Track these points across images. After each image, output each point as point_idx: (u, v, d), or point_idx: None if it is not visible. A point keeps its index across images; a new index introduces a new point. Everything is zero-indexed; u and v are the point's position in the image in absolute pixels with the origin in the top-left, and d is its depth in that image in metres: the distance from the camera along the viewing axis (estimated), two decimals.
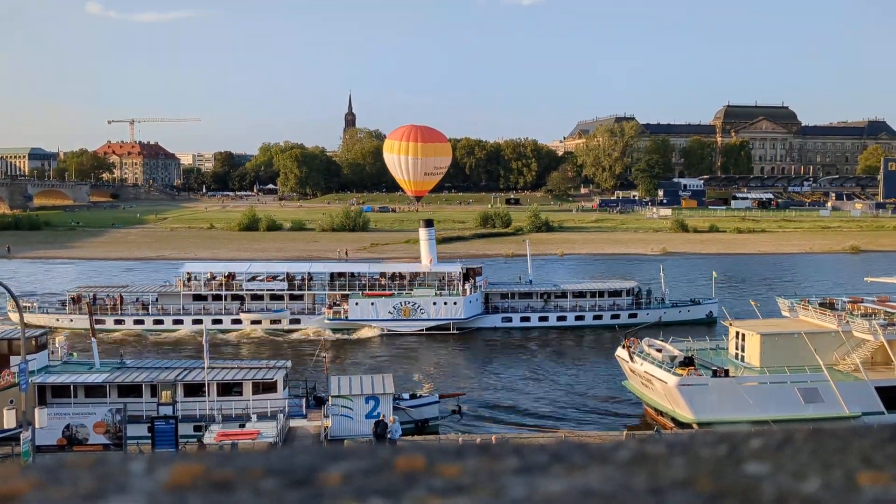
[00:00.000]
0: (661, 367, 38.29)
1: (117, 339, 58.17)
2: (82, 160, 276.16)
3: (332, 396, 34.26)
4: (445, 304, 61.14)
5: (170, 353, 51.99)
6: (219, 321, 60.61)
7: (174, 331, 60.27)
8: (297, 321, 61.40)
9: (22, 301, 60.90)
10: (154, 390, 35.58)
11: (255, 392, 35.90)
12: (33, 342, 37.03)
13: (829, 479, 1.34)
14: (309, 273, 63.90)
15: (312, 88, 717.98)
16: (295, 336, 60.13)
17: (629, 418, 40.98)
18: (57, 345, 40.51)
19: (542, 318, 63.46)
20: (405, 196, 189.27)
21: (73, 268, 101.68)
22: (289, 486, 1.35)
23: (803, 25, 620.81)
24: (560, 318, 63.42)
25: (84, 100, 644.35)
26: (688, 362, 38.57)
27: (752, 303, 47.10)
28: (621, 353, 42.08)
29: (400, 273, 64.42)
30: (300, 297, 62.50)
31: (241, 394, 36.07)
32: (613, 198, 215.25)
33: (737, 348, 40.77)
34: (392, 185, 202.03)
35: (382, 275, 63.86)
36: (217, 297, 61.98)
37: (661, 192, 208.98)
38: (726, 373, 37.84)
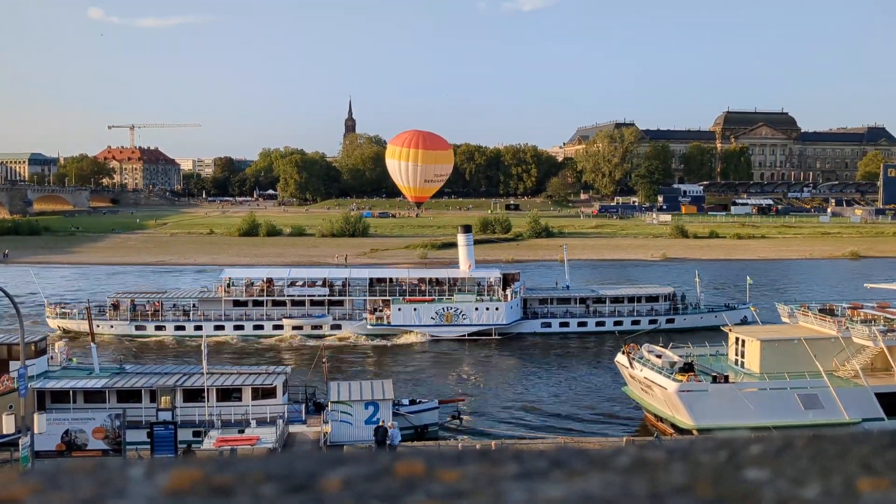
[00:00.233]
0: (660, 372, 38.26)
1: (155, 345, 58.69)
2: (82, 165, 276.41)
3: (332, 402, 34.24)
4: (487, 309, 61.45)
5: (189, 357, 52.71)
6: (260, 327, 61.19)
7: (215, 336, 60.38)
8: (338, 326, 61.82)
9: (61, 307, 62.00)
10: (153, 396, 35.54)
11: (254, 398, 35.88)
12: (32, 347, 37.00)
13: (829, 485, 1.34)
14: (348, 279, 64.18)
15: (312, 94, 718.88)
16: (336, 341, 60.39)
17: (629, 424, 40.94)
18: (56, 350, 40.48)
19: (580, 324, 63.69)
20: (405, 201, 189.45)
21: (72, 272, 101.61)
22: (288, 491, 1.34)
23: (803, 32, 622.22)
24: (599, 324, 63.64)
25: (84, 105, 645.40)
26: (687, 368, 38.54)
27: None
28: (621, 358, 42.06)
29: (438, 278, 64.52)
30: (340, 303, 62.79)
31: (240, 399, 36.04)
32: (613, 204, 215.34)
33: (736, 354, 40.73)
34: (392, 191, 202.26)
35: (422, 280, 64.01)
36: (257, 303, 62.20)
37: (660, 198, 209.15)
38: (726, 379, 37.82)
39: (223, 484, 1.36)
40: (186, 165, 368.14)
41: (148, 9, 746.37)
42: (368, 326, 61.13)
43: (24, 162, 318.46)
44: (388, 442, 31.78)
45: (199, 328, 60.45)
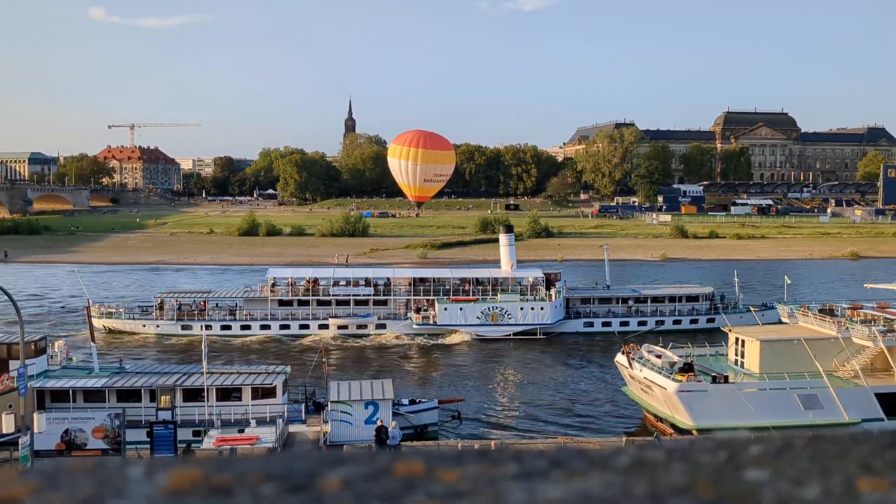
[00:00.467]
0: (660, 373, 38.27)
1: (200, 344, 58.63)
2: (82, 165, 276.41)
3: (332, 402, 34.24)
4: (532, 309, 61.77)
5: (218, 358, 53.04)
6: (306, 326, 61.67)
7: (260, 336, 60.90)
8: (383, 326, 62.29)
9: (106, 307, 62.67)
10: (153, 395, 35.54)
11: (254, 397, 35.88)
12: (32, 347, 37.00)
13: (829, 486, 1.34)
14: (392, 278, 64.61)
15: (312, 94, 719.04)
16: (381, 340, 61.00)
17: (628, 424, 40.95)
18: (56, 349, 40.46)
19: (623, 324, 63.90)
20: (405, 201, 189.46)
21: (69, 272, 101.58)
22: (288, 491, 1.34)
23: (803, 32, 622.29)
24: (640, 323, 63.82)
25: (84, 104, 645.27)
26: (687, 368, 38.55)
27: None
28: (621, 359, 42.06)
29: (480, 278, 64.81)
30: (384, 303, 63.23)
31: (240, 399, 36.05)
32: (613, 204, 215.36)
33: (736, 354, 40.73)
34: (392, 191, 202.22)
35: (465, 280, 64.43)
36: (302, 303, 62.60)
37: (660, 198, 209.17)
38: (726, 379, 37.83)
39: (223, 484, 1.36)
40: (186, 165, 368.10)
41: (149, 9, 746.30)
42: (414, 326, 61.70)
43: (23, 161, 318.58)
44: (388, 442, 31.78)
45: (245, 327, 61.33)
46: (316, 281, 63.53)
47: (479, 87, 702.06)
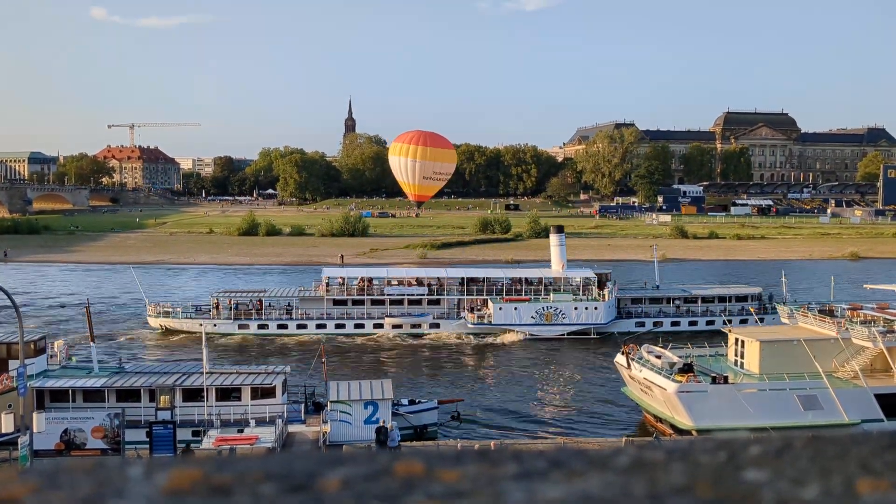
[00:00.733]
0: (660, 373, 38.27)
1: (256, 343, 59.54)
2: (82, 164, 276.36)
3: (331, 402, 34.25)
4: (587, 309, 62.04)
5: (233, 357, 53.95)
6: (361, 325, 62.26)
7: (317, 335, 61.24)
8: (437, 325, 62.75)
9: (164, 306, 63.20)
10: (153, 395, 35.54)
11: (253, 397, 35.88)
12: (32, 346, 36.99)
13: (829, 486, 1.34)
14: (446, 278, 64.96)
15: (312, 93, 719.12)
16: (435, 340, 61.40)
17: (628, 425, 40.94)
18: (56, 349, 40.45)
19: (674, 323, 64.09)
20: (405, 201, 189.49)
21: (72, 272, 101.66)
22: (288, 491, 1.34)
23: (803, 32, 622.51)
24: (691, 323, 64.09)
25: (84, 104, 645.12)
26: (687, 369, 38.55)
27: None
28: (620, 359, 42.06)
29: (529, 278, 65.17)
30: (437, 302, 63.78)
31: (239, 399, 36.04)
32: (613, 204, 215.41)
33: (736, 355, 40.73)
34: (392, 191, 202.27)
35: (516, 280, 64.83)
36: (356, 302, 63.18)
37: (660, 199, 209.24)
38: (725, 379, 37.82)
39: (222, 483, 1.36)
40: (186, 165, 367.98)
41: (150, 8, 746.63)
42: (469, 325, 62.01)
43: (23, 161, 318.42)
44: (387, 443, 31.77)
45: (301, 326, 61.86)
46: (370, 280, 64.21)
47: (480, 87, 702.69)
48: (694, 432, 36.31)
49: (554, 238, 66.76)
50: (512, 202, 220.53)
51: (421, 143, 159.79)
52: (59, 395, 35.62)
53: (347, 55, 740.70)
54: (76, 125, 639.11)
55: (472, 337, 61.38)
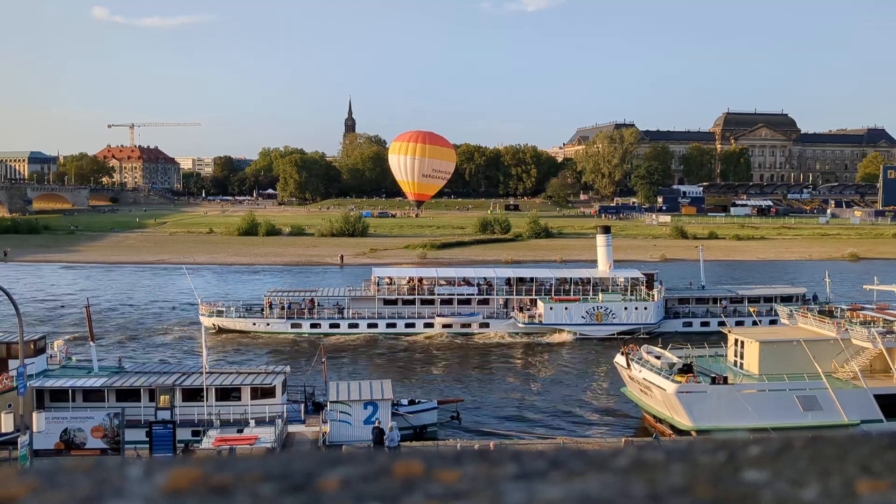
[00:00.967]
0: (659, 374, 38.26)
1: (308, 342, 59.78)
2: (82, 164, 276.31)
3: (331, 402, 34.24)
4: (636, 309, 62.33)
5: (251, 355, 54.30)
6: (412, 325, 62.72)
7: (368, 334, 61.78)
8: (486, 325, 63.11)
9: (216, 306, 63.75)
10: (152, 395, 35.52)
11: (253, 397, 35.86)
12: (32, 346, 36.98)
13: (828, 487, 1.34)
14: (494, 278, 65.34)
15: (312, 93, 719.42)
16: (484, 339, 61.70)
17: (627, 425, 40.93)
18: (56, 349, 40.43)
19: (720, 323, 63.97)
20: (405, 201, 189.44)
21: (73, 272, 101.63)
22: (287, 491, 1.34)
23: (803, 33, 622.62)
24: (738, 324, 63.93)
25: (84, 104, 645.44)
26: (686, 369, 38.54)
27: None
28: (620, 360, 42.04)
29: (578, 278, 65.53)
30: (486, 302, 64.18)
31: (239, 399, 36.02)
32: (613, 204, 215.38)
33: (735, 355, 40.72)
34: (391, 191, 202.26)
35: (565, 280, 65.15)
36: (407, 302, 63.70)
37: (660, 199, 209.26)
38: (725, 380, 37.81)
39: (222, 483, 1.36)
40: (186, 164, 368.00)
41: (152, 8, 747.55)
42: (519, 325, 62.30)
43: (23, 160, 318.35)
44: (385, 443, 31.77)
45: (353, 326, 62.32)
46: (421, 280, 64.71)
47: (480, 88, 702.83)
48: (693, 433, 36.30)
49: (601, 238, 67.08)
50: (512, 202, 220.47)
51: (420, 140, 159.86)
52: (59, 395, 35.60)
53: (347, 55, 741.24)
54: (76, 125, 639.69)
55: (522, 337, 61.66)
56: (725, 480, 1.37)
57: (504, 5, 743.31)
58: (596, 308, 62.12)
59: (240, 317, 62.99)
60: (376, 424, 33.11)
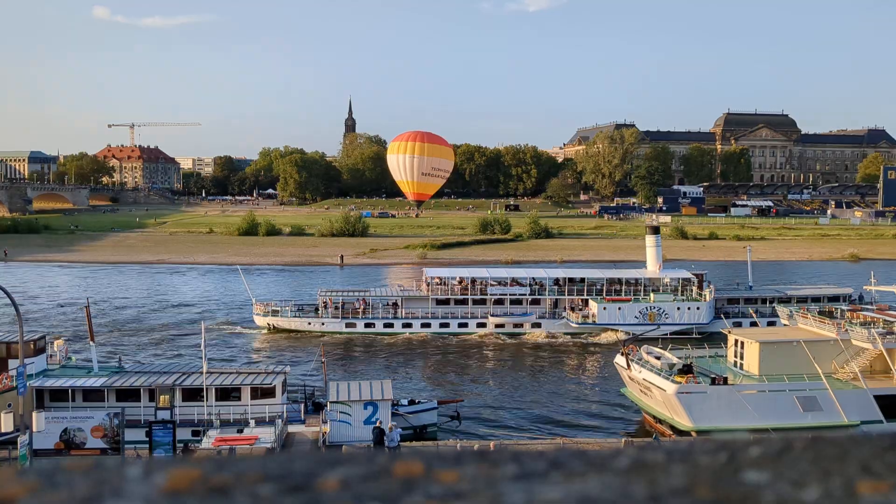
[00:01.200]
0: (659, 374, 38.25)
1: (362, 341, 60.47)
2: (82, 164, 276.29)
3: (331, 402, 34.23)
4: (689, 309, 62.53)
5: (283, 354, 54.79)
6: (464, 324, 63.18)
7: (421, 334, 62.20)
8: (538, 325, 63.43)
9: (272, 305, 64.14)
10: (152, 395, 35.51)
11: (253, 397, 35.85)
12: (31, 346, 36.99)
13: (829, 488, 1.34)
14: (545, 278, 65.64)
15: (312, 93, 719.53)
16: (534, 338, 62.01)
17: (628, 425, 40.92)
18: (56, 349, 40.44)
19: (770, 323, 64.15)
20: (405, 202, 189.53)
21: (73, 272, 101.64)
22: (286, 491, 1.34)
23: (803, 33, 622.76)
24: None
25: (84, 104, 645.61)
26: (686, 370, 38.53)
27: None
28: (620, 360, 42.03)
29: (628, 279, 65.92)
30: (537, 302, 64.47)
31: (239, 399, 36.02)
32: (613, 205, 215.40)
33: (735, 356, 40.71)
34: (392, 191, 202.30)
35: (614, 280, 65.59)
36: (459, 302, 64.11)
37: (660, 200, 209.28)
38: (725, 381, 37.80)
39: (221, 484, 1.36)
40: (186, 164, 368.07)
41: (154, 8, 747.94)
42: (572, 325, 62.53)
43: (23, 160, 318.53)
44: (385, 443, 31.77)
45: (407, 325, 62.80)
46: (474, 280, 65.10)
47: (480, 88, 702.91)
48: (693, 433, 36.30)
49: (650, 239, 67.61)
50: (512, 203, 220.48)
51: (419, 140, 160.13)
52: (59, 395, 35.60)
53: (348, 55, 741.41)
54: (76, 125, 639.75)
55: (574, 336, 61.93)
56: (726, 481, 1.37)
57: (505, 5, 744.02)
58: (649, 308, 62.51)
59: (295, 316, 63.44)
60: (376, 425, 33.11)
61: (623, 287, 64.75)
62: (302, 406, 37.01)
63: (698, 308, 62.48)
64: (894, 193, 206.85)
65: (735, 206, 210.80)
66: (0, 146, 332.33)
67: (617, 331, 61.54)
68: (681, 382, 37.04)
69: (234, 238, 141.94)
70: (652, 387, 38.39)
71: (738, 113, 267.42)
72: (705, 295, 63.39)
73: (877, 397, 36.84)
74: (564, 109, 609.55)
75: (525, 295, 64.31)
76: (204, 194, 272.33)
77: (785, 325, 43.90)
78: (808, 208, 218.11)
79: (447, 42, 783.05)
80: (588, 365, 53.77)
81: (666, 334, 60.92)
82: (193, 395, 35.74)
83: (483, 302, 63.98)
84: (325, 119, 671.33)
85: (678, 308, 62.40)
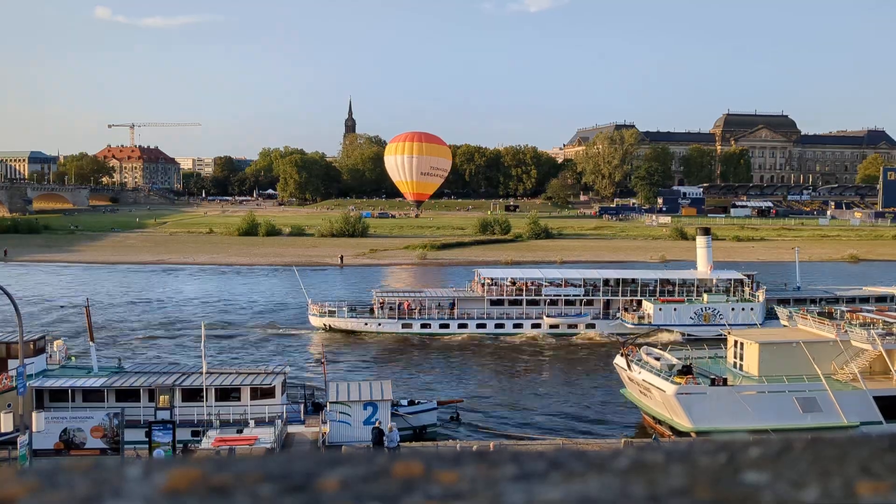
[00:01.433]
0: (659, 375, 38.24)
1: (418, 342, 60.83)
2: (82, 164, 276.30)
3: (331, 402, 34.22)
4: (743, 309, 62.60)
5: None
6: (519, 325, 63.40)
7: (477, 334, 62.36)
8: (592, 325, 63.76)
9: (327, 306, 64.41)
10: (152, 395, 35.50)
11: (252, 398, 35.84)
12: (31, 346, 36.97)
13: (828, 488, 1.34)
14: (600, 279, 66.00)
15: (312, 93, 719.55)
16: (589, 339, 62.28)
17: (627, 426, 40.91)
18: (55, 349, 40.42)
19: None
20: (405, 202, 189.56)
21: (75, 271, 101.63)
22: (286, 491, 1.34)
23: (803, 34, 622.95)
24: None
25: (85, 104, 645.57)
26: (686, 371, 38.52)
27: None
28: (619, 361, 42.03)
29: (681, 279, 66.24)
30: (590, 303, 64.82)
31: (239, 399, 36.01)
32: (613, 205, 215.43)
33: (735, 357, 40.71)
34: (391, 191, 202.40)
35: (667, 281, 65.91)
36: (513, 302, 64.38)
37: (660, 200, 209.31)
38: (724, 381, 37.80)
39: (221, 484, 1.36)
40: (186, 164, 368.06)
41: (155, 8, 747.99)
42: (628, 325, 62.69)
43: (23, 160, 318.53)
44: (385, 443, 31.77)
45: (462, 326, 63.03)
46: (528, 281, 65.42)
47: (481, 88, 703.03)
48: (693, 434, 36.29)
49: (701, 240, 67.66)
50: (512, 203, 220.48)
51: (416, 140, 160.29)
52: (59, 395, 35.58)
53: (348, 55, 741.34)
54: (76, 125, 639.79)
55: (619, 337, 61.82)
56: (725, 482, 1.37)
57: (506, 6, 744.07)
58: (704, 309, 62.77)
59: (353, 317, 63.75)
60: (376, 425, 33.10)
61: (676, 288, 65.16)
62: (302, 406, 37.01)
63: (752, 309, 62.60)
64: (894, 194, 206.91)
65: (735, 206, 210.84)
66: (0, 146, 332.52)
67: (672, 331, 61.85)
68: (680, 383, 37.04)
69: (234, 238, 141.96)
70: (651, 387, 38.39)
71: (737, 114, 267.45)
72: (758, 296, 63.69)
73: (876, 398, 36.84)
74: (564, 110, 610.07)
75: (579, 296, 64.74)
76: (204, 194, 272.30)
77: (785, 325, 43.89)
78: (808, 209, 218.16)
79: (447, 42, 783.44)
80: (588, 366, 53.74)
81: (720, 335, 61.49)
82: (193, 395, 35.73)
83: (536, 303, 64.30)
84: (325, 119, 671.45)
85: (732, 309, 62.56)
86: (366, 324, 63.12)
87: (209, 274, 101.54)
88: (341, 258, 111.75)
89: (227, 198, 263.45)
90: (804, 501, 1.30)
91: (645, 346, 44.16)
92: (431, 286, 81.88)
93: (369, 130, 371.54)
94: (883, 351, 37.68)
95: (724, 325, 61.07)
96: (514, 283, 65.17)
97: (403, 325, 62.86)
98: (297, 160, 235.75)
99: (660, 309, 62.62)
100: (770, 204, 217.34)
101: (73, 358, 42.23)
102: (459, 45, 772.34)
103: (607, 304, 64.89)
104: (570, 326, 63.38)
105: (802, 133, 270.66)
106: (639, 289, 64.91)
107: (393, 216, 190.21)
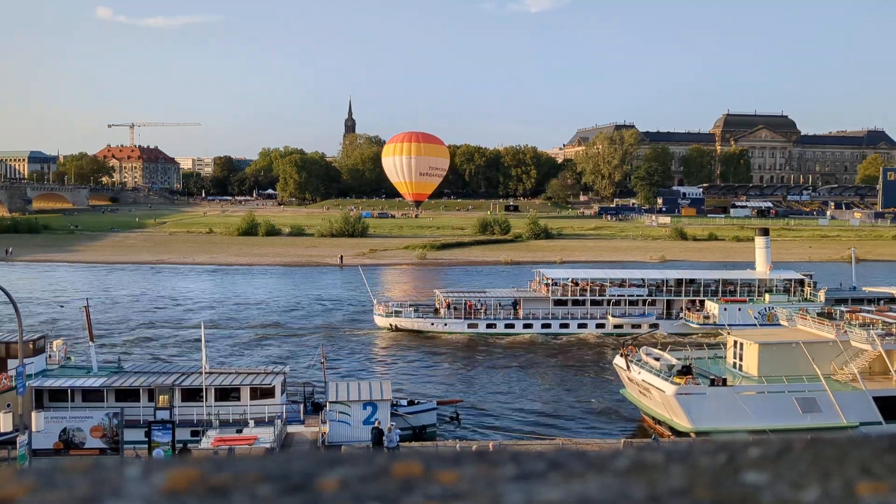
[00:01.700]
0: (658, 375, 38.25)
1: (483, 342, 60.91)
2: (82, 164, 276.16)
3: (330, 402, 34.22)
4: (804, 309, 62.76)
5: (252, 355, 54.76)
6: (584, 325, 63.79)
7: (542, 334, 62.61)
8: (656, 326, 64.23)
9: (392, 305, 64.74)
10: (151, 395, 35.49)
11: (252, 398, 35.84)
12: (31, 346, 36.96)
13: (828, 489, 1.34)
14: (662, 279, 66.43)
15: (312, 93, 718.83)
16: (654, 339, 62.12)
17: (627, 427, 40.92)
18: (55, 349, 40.42)
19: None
20: (404, 202, 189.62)
21: (74, 271, 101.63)
22: (285, 491, 1.34)
23: (803, 35, 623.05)
24: None
25: (85, 104, 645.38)
26: (686, 371, 38.54)
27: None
28: (619, 361, 42.04)
29: (741, 280, 66.50)
30: (653, 303, 65.26)
31: (238, 399, 36.01)
32: (612, 205, 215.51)
33: (735, 357, 40.73)
34: (391, 191, 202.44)
35: (728, 281, 66.33)
36: (577, 303, 64.72)
37: (660, 200, 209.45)
38: (724, 382, 37.82)
39: (220, 484, 1.36)
40: (186, 164, 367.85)
41: (156, 8, 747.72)
42: (693, 325, 63.15)
43: (23, 160, 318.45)
44: (384, 443, 31.77)
45: (528, 326, 63.26)
46: (591, 282, 65.68)
47: (481, 88, 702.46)
48: (693, 434, 36.30)
49: (760, 241, 68.04)
50: (511, 203, 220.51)
51: (414, 140, 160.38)
52: (58, 395, 35.56)
53: (348, 55, 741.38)
54: (76, 124, 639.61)
55: (692, 337, 62.09)
56: (725, 482, 1.37)
57: (506, 6, 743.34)
58: (768, 309, 62.81)
59: (419, 317, 64.00)
60: (375, 425, 33.11)
61: (737, 288, 65.49)
62: (301, 406, 37.01)
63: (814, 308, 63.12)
64: (894, 195, 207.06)
65: (734, 207, 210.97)
66: (0, 146, 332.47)
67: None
68: (680, 384, 37.05)
69: (234, 238, 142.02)
70: (651, 388, 38.40)
71: (737, 114, 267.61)
72: (819, 296, 63.92)
73: (876, 399, 36.86)
74: (564, 110, 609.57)
75: (642, 296, 65.12)
76: (204, 194, 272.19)
77: (784, 326, 43.91)
78: (808, 209, 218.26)
79: (448, 42, 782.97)
80: (587, 366, 53.74)
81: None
82: (193, 395, 35.72)
83: (600, 303, 64.66)
84: (325, 119, 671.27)
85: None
86: (432, 324, 63.42)
87: (217, 274, 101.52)
88: (341, 258, 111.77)
89: (227, 198, 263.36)
90: (804, 502, 1.30)
91: (644, 347, 44.17)
92: (431, 286, 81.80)
93: (369, 130, 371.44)
94: (882, 351, 37.69)
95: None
96: (576, 284, 65.44)
97: (469, 325, 63.14)
98: (297, 160, 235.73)
99: (724, 309, 62.81)
100: (770, 204, 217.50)
101: (72, 358, 42.21)
102: (460, 45, 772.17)
103: (669, 305, 65.38)
104: (633, 326, 63.90)
105: (802, 133, 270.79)
106: (700, 289, 65.36)
107: (393, 216, 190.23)
